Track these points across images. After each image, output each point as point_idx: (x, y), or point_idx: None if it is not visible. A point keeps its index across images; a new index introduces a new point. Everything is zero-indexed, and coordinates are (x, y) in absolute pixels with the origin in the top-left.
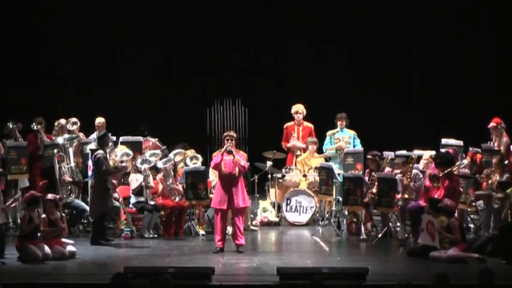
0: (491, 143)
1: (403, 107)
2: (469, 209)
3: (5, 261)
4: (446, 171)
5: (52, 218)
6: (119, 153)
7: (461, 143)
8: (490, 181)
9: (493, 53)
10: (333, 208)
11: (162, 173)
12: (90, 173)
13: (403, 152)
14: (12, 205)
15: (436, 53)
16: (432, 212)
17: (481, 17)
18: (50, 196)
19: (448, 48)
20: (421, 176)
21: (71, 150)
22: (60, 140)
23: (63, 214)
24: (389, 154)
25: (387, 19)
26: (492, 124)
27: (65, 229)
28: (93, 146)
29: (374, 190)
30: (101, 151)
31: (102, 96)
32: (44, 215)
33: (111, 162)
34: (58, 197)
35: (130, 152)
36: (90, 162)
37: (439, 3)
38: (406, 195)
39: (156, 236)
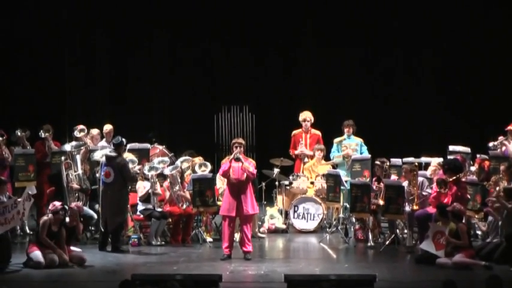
0: (498, 146)
1: (410, 113)
2: (476, 216)
3: (12, 268)
4: (454, 178)
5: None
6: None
7: (468, 149)
8: (497, 188)
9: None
10: (341, 215)
11: (169, 180)
12: (107, 179)
13: (411, 159)
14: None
15: (446, 58)
16: (441, 218)
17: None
18: (73, 205)
19: (457, 52)
20: (427, 183)
21: (78, 158)
22: (67, 147)
23: (81, 224)
24: (396, 161)
25: (395, 24)
26: (510, 128)
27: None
28: (109, 152)
29: (380, 202)
30: (123, 157)
31: (110, 103)
32: (47, 216)
33: None
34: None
35: (135, 159)
36: (106, 169)
37: (449, 5)
38: (415, 206)
39: (163, 243)
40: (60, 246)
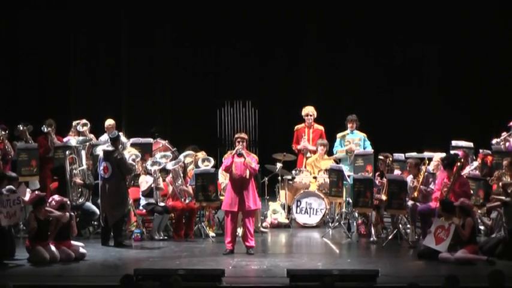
0: (502, 142)
1: (413, 108)
2: (479, 211)
3: (16, 263)
4: (453, 176)
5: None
6: (127, 156)
7: (471, 144)
8: (500, 183)
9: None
10: (343, 210)
11: (171, 175)
12: (105, 175)
13: (413, 154)
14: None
15: (451, 53)
16: (444, 213)
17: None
18: (57, 198)
19: (460, 47)
20: (431, 178)
21: (83, 153)
22: (73, 142)
23: (72, 214)
24: (399, 156)
25: (399, 20)
26: None
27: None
28: (106, 147)
29: (383, 197)
30: (119, 151)
31: (112, 97)
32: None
33: None
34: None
35: (138, 154)
36: (104, 164)
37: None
38: (415, 194)
39: (166, 237)
40: (61, 240)
